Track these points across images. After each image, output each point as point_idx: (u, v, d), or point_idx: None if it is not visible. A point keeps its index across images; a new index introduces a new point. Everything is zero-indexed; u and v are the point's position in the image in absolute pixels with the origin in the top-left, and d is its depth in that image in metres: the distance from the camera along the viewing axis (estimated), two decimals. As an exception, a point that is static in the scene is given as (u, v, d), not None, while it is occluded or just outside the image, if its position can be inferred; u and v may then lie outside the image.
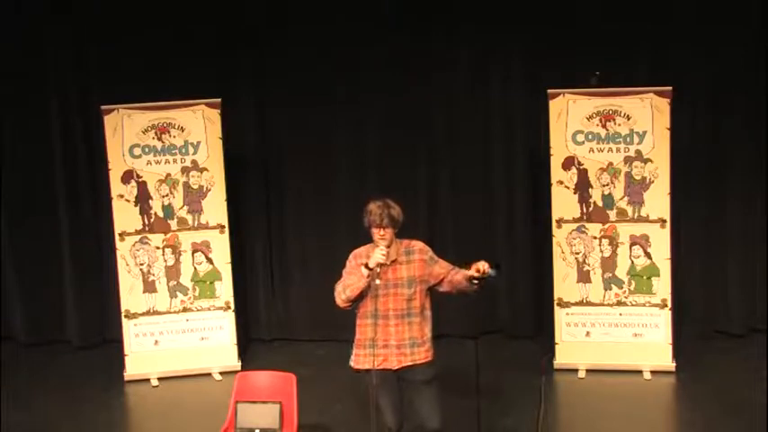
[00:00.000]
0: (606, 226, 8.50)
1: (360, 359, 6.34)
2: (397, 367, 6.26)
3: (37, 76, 9.27)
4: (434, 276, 6.31)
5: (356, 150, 9.40)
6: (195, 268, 8.82)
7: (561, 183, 8.53)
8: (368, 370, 6.27)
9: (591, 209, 8.52)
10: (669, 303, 8.46)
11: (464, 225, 9.33)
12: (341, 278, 6.32)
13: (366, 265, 6.13)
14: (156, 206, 8.73)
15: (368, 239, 6.29)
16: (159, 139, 8.68)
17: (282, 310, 9.67)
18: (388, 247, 6.16)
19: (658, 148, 8.35)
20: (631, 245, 8.47)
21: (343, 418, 7.80)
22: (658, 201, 8.39)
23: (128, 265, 8.74)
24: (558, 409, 7.96)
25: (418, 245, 6.33)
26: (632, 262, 8.49)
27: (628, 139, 8.40)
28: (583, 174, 8.49)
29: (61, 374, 9.03)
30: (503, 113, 9.23)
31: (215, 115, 8.70)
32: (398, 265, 6.23)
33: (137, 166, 8.68)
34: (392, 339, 6.24)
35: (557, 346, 8.65)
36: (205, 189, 8.77)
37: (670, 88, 8.29)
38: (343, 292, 6.23)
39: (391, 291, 6.21)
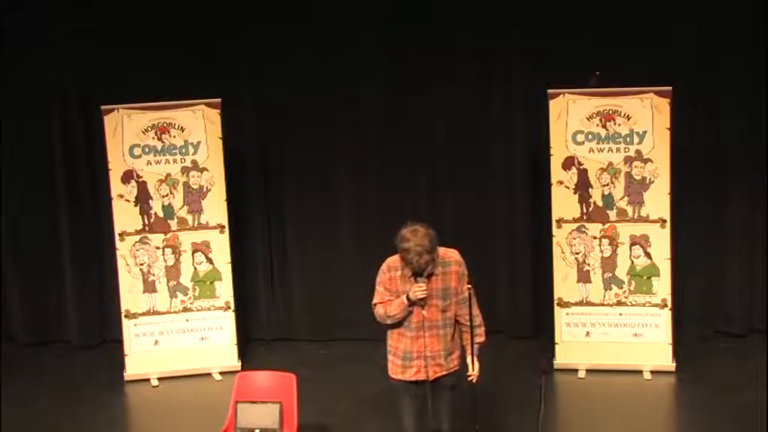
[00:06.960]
0: (606, 226, 8.50)
1: (395, 369, 6.25)
2: (432, 378, 6.17)
3: (37, 76, 9.27)
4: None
5: (356, 150, 9.40)
6: (195, 268, 8.82)
7: (561, 183, 8.53)
8: (401, 380, 6.21)
9: (591, 209, 8.52)
10: (669, 303, 8.46)
11: (464, 225, 9.32)
12: (376, 293, 6.20)
13: (407, 297, 6.04)
14: (156, 206, 8.73)
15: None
16: (159, 139, 8.68)
17: (282, 310, 9.66)
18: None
19: (658, 148, 8.35)
20: (631, 245, 8.47)
21: (343, 418, 7.79)
22: (658, 201, 8.39)
23: (128, 265, 8.74)
24: (558, 409, 7.96)
25: (454, 256, 6.18)
26: (632, 262, 8.49)
27: (628, 139, 8.40)
28: (583, 174, 8.49)
29: (61, 374, 9.03)
30: (503, 113, 9.23)
31: (215, 115, 8.70)
32: (434, 277, 6.10)
33: (137, 166, 8.68)
34: (427, 351, 6.13)
35: (557, 346, 8.65)
36: (205, 189, 8.77)
37: (670, 88, 8.28)
38: (387, 317, 6.14)
39: (425, 302, 6.10)
